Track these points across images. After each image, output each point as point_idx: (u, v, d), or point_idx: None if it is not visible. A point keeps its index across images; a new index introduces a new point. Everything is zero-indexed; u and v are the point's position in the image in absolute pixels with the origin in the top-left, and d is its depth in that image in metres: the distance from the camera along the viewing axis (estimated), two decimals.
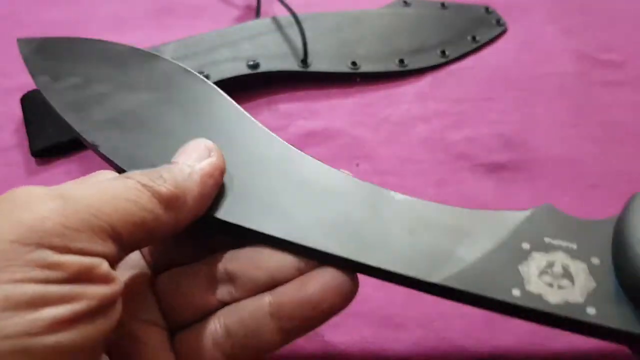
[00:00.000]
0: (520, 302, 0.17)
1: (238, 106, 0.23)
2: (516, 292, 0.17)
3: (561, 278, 0.17)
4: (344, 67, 0.39)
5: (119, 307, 0.15)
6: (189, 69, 0.25)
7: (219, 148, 0.19)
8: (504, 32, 0.45)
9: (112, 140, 0.21)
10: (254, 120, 0.23)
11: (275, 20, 0.41)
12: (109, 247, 0.14)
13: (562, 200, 0.33)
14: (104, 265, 0.14)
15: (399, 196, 0.20)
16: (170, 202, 0.16)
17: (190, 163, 0.18)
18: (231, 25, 0.41)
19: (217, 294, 0.18)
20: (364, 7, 0.45)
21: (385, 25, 0.43)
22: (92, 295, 0.13)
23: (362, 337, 0.27)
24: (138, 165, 0.19)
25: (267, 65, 0.38)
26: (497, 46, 0.43)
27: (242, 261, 0.18)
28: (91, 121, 0.22)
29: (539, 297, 0.17)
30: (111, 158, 0.21)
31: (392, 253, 0.18)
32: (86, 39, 0.27)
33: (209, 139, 0.20)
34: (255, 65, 0.37)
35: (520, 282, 0.17)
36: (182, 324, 0.18)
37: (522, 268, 0.17)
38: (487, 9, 0.46)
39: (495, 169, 0.35)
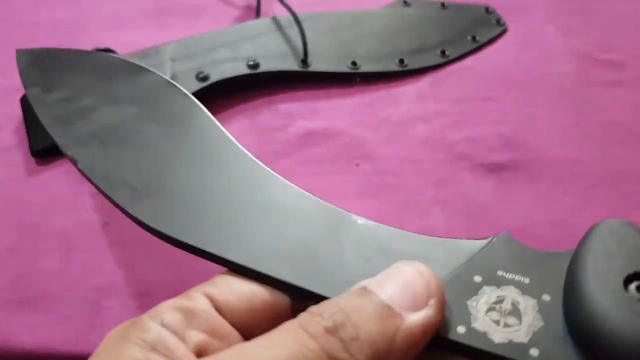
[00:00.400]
0: (464, 341, 0.16)
1: (217, 123, 0.23)
2: (461, 329, 0.16)
3: (509, 316, 0.17)
4: (344, 67, 0.39)
5: None
6: (173, 82, 0.25)
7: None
8: (504, 32, 0.44)
9: (91, 157, 0.22)
10: (231, 138, 0.23)
11: (275, 20, 0.41)
12: None
13: (562, 200, 0.33)
14: None
15: (360, 220, 0.20)
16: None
17: (398, 310, 0.14)
18: (231, 25, 0.41)
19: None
20: (364, 7, 0.44)
21: (385, 25, 0.43)
22: None
23: None
24: (113, 184, 0.20)
25: (267, 65, 0.38)
26: (497, 46, 0.43)
27: None
28: (74, 136, 0.22)
29: (484, 335, 0.16)
30: (88, 175, 0.21)
31: (343, 283, 0.18)
32: (81, 51, 0.28)
33: (184, 156, 0.21)
34: (255, 65, 0.37)
35: (466, 319, 0.17)
36: None
37: (471, 303, 0.17)
38: (487, 9, 0.46)
39: (495, 169, 0.35)
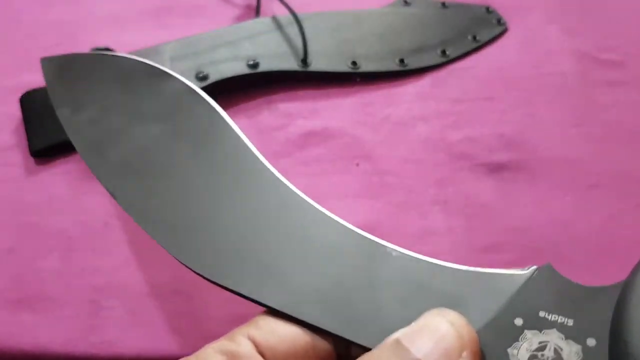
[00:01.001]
0: None
1: (246, 141, 0.22)
2: None
3: None
4: (344, 67, 0.39)
5: None
6: (195, 89, 0.24)
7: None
8: (504, 31, 0.44)
9: (127, 189, 0.21)
10: (261, 158, 0.22)
11: (275, 19, 0.41)
12: None
13: (562, 200, 0.33)
14: None
15: (395, 253, 0.19)
16: None
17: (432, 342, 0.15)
18: (231, 24, 0.41)
19: None
20: (364, 7, 0.44)
21: (386, 25, 0.43)
22: None
23: None
24: (152, 222, 0.20)
25: (266, 65, 0.38)
26: (497, 46, 0.43)
27: None
28: (108, 166, 0.22)
29: None
30: (128, 212, 0.21)
31: (379, 329, 0.17)
32: (104, 56, 0.27)
33: (215, 184, 0.20)
34: (255, 65, 0.37)
35: None
36: None
37: (512, 351, 0.16)
38: (487, 9, 0.46)
39: (495, 169, 0.35)
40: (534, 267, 0.18)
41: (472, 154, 0.35)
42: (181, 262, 0.20)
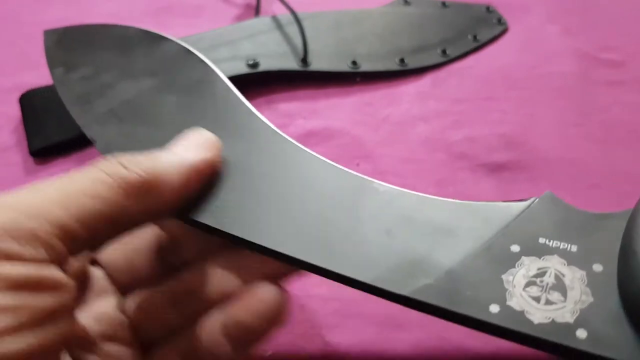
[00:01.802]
0: (497, 322, 0.14)
1: (234, 91, 0.23)
2: (494, 309, 0.14)
3: (552, 291, 0.14)
4: (344, 66, 0.39)
5: (72, 313, 0.14)
6: (191, 50, 0.24)
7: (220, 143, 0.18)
8: (504, 31, 0.44)
9: (108, 135, 0.21)
10: (248, 105, 0.22)
11: (274, 19, 0.41)
12: (56, 250, 0.13)
13: None
14: (49, 271, 0.13)
15: (383, 187, 0.18)
16: (140, 190, 0.15)
17: (182, 153, 0.17)
18: (230, 24, 0.41)
19: (179, 312, 0.18)
20: (364, 6, 0.44)
21: (386, 24, 0.43)
22: (37, 305, 0.13)
23: (363, 338, 0.27)
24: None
25: (266, 65, 0.38)
26: (498, 45, 0.43)
27: (196, 281, 0.18)
28: (93, 115, 0.22)
29: (521, 315, 0.14)
30: (104, 154, 0.20)
31: (363, 260, 0.16)
32: (102, 25, 0.28)
33: (200, 125, 0.19)
34: (255, 65, 0.37)
35: (501, 296, 0.14)
36: (152, 341, 0.18)
37: (507, 277, 0.15)
38: (488, 8, 0.46)
39: (495, 169, 0.34)
40: (534, 197, 0.17)
41: (472, 154, 0.35)
42: None
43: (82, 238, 0.14)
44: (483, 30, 0.44)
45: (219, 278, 0.18)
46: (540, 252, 0.15)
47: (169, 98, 0.22)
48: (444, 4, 0.46)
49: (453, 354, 0.27)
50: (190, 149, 0.17)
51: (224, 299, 0.18)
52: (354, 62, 0.39)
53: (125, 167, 0.15)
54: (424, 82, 0.40)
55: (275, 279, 0.18)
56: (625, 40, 0.43)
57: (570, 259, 0.15)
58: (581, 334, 0.13)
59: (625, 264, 0.14)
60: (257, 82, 0.38)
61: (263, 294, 0.17)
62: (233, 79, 0.37)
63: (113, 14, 0.45)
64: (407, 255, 0.16)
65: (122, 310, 0.18)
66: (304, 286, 0.29)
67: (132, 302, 0.18)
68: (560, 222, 0.16)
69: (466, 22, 0.44)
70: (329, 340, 0.27)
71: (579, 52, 0.42)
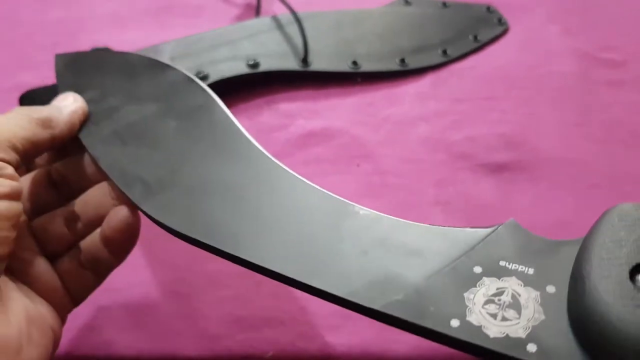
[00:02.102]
0: (456, 335, 0.15)
1: (232, 118, 0.24)
2: (455, 323, 0.16)
3: (508, 309, 0.16)
4: (345, 67, 0.39)
5: (20, 203, 0.20)
6: (193, 78, 0.26)
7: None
8: (505, 31, 0.44)
9: (111, 155, 0.23)
10: (243, 132, 0.24)
11: (275, 19, 0.41)
12: (11, 156, 0.20)
13: (563, 201, 0.33)
14: (10, 169, 0.20)
15: (362, 211, 0.20)
16: (46, 122, 0.22)
17: (61, 104, 0.24)
18: (230, 24, 0.41)
19: (71, 230, 0.24)
20: (364, 6, 0.44)
21: (386, 25, 0.43)
22: (4, 184, 0.19)
23: (363, 338, 0.27)
24: (129, 181, 0.22)
25: (267, 65, 0.38)
26: (498, 45, 0.43)
27: (82, 205, 0.24)
28: (98, 136, 0.24)
29: (478, 330, 0.15)
30: (107, 173, 0.22)
31: (340, 276, 0.18)
32: (112, 52, 0.30)
33: (196, 151, 0.22)
34: (255, 65, 0.37)
35: (462, 312, 0.16)
36: (56, 255, 0.23)
37: (468, 295, 0.16)
38: (488, 8, 0.46)
39: (496, 169, 0.34)
40: (498, 224, 0.18)
41: (473, 154, 0.35)
42: (153, 218, 0.21)
43: (21, 152, 0.21)
44: (483, 30, 0.44)
45: (98, 203, 0.23)
46: (500, 273, 0.17)
47: (169, 123, 0.24)
48: (444, 4, 0.46)
49: (452, 355, 0.27)
50: (66, 102, 0.24)
51: (102, 218, 0.23)
52: (355, 62, 0.39)
53: (34, 110, 0.22)
54: (425, 82, 0.40)
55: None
56: (625, 40, 0.43)
57: (527, 280, 0.16)
58: (531, 347, 0.15)
59: (574, 287, 0.15)
60: (257, 82, 0.38)
61: (120, 213, 0.22)
62: (233, 79, 0.37)
63: (113, 13, 0.45)
64: (380, 273, 0.18)
65: (31, 231, 0.24)
66: None
67: (37, 224, 0.24)
68: (520, 247, 0.17)
69: (466, 22, 0.44)
70: (329, 341, 0.27)
71: (579, 52, 0.42)
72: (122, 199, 0.23)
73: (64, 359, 0.27)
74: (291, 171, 0.22)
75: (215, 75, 0.36)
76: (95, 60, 0.28)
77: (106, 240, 0.23)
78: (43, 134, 0.22)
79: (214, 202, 0.21)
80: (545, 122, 0.37)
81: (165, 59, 0.36)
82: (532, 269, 0.17)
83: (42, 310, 0.21)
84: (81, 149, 0.24)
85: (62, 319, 0.23)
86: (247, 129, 0.40)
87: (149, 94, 0.26)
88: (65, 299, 0.23)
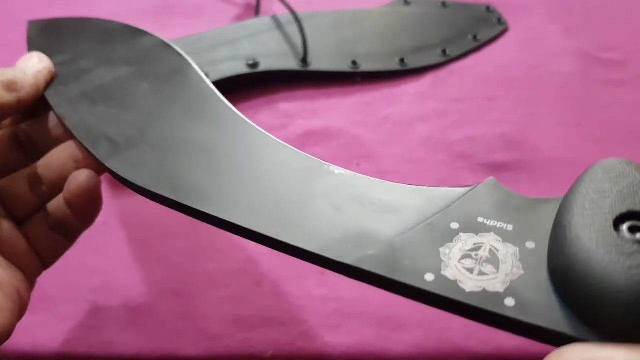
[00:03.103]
0: (431, 289, 0.15)
1: (205, 79, 0.24)
2: (429, 277, 0.15)
3: (485, 264, 0.15)
4: (344, 66, 0.39)
5: None
6: (168, 43, 0.26)
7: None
8: (505, 31, 0.44)
9: (79, 115, 0.23)
10: (216, 92, 0.23)
11: (275, 18, 0.41)
12: None
13: None
14: None
15: (338, 171, 0.19)
16: (11, 85, 0.22)
17: (25, 65, 0.24)
18: (230, 24, 0.41)
19: (35, 193, 0.23)
20: (364, 6, 0.44)
21: (386, 24, 0.43)
22: None
23: (363, 338, 0.27)
24: (95, 139, 0.21)
25: (266, 64, 0.38)
26: (498, 45, 0.43)
27: (44, 166, 0.23)
28: (66, 96, 0.23)
29: (454, 284, 0.15)
30: (74, 132, 0.22)
31: (311, 232, 0.17)
32: (87, 18, 0.29)
33: (167, 112, 0.22)
34: (255, 65, 0.37)
35: (437, 266, 0.15)
36: (23, 218, 0.23)
37: (444, 250, 0.16)
38: (488, 8, 0.46)
39: (496, 168, 0.34)
40: (478, 183, 0.18)
41: (473, 154, 0.35)
42: (119, 176, 0.20)
43: None
44: (483, 30, 0.44)
45: (61, 165, 0.23)
46: (478, 230, 0.16)
47: (142, 85, 0.24)
48: (444, 4, 0.46)
49: (452, 355, 0.27)
50: (31, 63, 0.24)
51: (65, 181, 0.23)
52: (354, 62, 0.39)
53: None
54: (424, 82, 0.40)
55: (97, 169, 0.23)
56: (625, 40, 0.43)
57: (505, 236, 0.16)
58: (509, 302, 0.14)
59: (555, 238, 0.15)
60: (257, 82, 0.38)
61: (79, 178, 0.22)
62: (233, 79, 0.37)
63: (113, 13, 0.45)
64: (353, 229, 0.17)
65: None
66: (304, 287, 0.29)
67: (0, 184, 0.24)
68: (499, 204, 0.17)
69: (466, 22, 0.44)
70: (329, 340, 0.27)
71: (579, 51, 0.42)
72: (86, 160, 0.22)
73: (64, 359, 0.27)
74: (266, 133, 0.21)
75: (215, 75, 0.36)
76: (69, 27, 0.28)
77: (69, 205, 0.22)
78: (8, 97, 0.22)
79: (183, 160, 0.20)
80: (545, 122, 0.37)
81: None
82: (512, 226, 0.16)
83: (7, 273, 0.21)
84: (48, 109, 0.24)
85: (31, 282, 0.23)
86: None
87: (123, 58, 0.25)
88: (33, 263, 0.23)
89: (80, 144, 0.22)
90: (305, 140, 0.36)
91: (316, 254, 0.17)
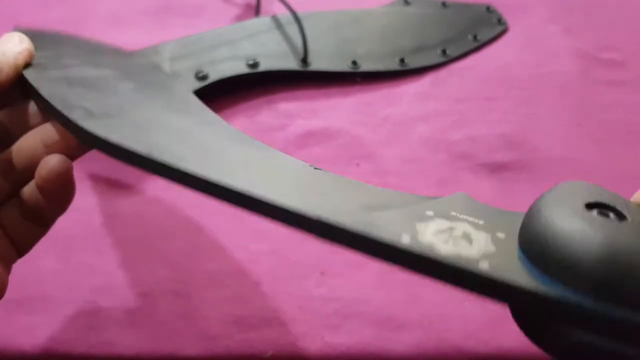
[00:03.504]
0: (407, 248, 0.15)
1: (197, 100, 0.26)
2: (405, 239, 0.15)
3: (459, 239, 0.16)
4: (344, 66, 0.39)
5: None
6: (159, 67, 0.27)
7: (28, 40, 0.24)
8: (505, 31, 0.44)
9: (56, 89, 0.22)
10: (205, 106, 0.25)
11: (275, 18, 0.41)
12: None
13: None
14: None
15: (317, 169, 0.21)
16: None
17: (5, 47, 0.23)
18: (230, 24, 0.41)
19: (8, 179, 0.23)
20: (364, 6, 0.44)
21: (386, 24, 0.43)
22: None
23: (363, 338, 0.27)
24: (70, 107, 0.21)
25: (266, 65, 0.38)
26: (498, 45, 0.43)
27: (16, 151, 0.23)
28: (46, 77, 0.23)
29: (430, 247, 0.15)
30: (48, 99, 0.21)
31: (288, 190, 0.17)
32: (77, 37, 0.29)
33: (149, 105, 0.23)
34: (255, 65, 0.37)
35: (413, 233, 0.16)
36: None
37: (420, 226, 0.16)
38: (488, 8, 0.46)
39: (496, 168, 0.34)
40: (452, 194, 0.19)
41: (473, 154, 0.35)
42: (93, 135, 0.20)
43: None
44: (483, 30, 0.44)
45: (31, 151, 0.23)
46: (452, 218, 0.17)
47: (127, 84, 0.24)
48: (444, 4, 0.46)
49: (452, 355, 0.27)
50: (11, 44, 0.23)
51: (36, 167, 0.22)
52: (354, 62, 0.39)
53: None
54: (424, 82, 0.40)
55: (69, 154, 0.23)
56: (625, 40, 0.43)
57: (478, 227, 0.17)
58: (484, 264, 0.15)
59: (527, 219, 0.16)
60: (257, 82, 0.38)
61: (50, 163, 0.22)
62: (233, 79, 0.37)
63: (113, 13, 0.45)
64: (327, 200, 0.18)
65: None
66: (304, 287, 0.29)
67: None
68: (471, 207, 0.18)
69: (466, 22, 0.44)
70: (328, 340, 0.27)
71: (579, 51, 0.42)
72: (58, 145, 0.22)
73: (64, 358, 0.27)
74: (223, 121, 0.23)
75: (215, 75, 0.36)
76: (56, 38, 0.28)
77: (41, 190, 0.22)
78: None
79: (160, 133, 0.21)
80: (545, 122, 0.37)
81: (165, 59, 0.36)
82: (482, 221, 0.17)
83: None
84: (24, 96, 0.23)
85: (7, 268, 0.23)
86: (246, 129, 0.40)
87: (109, 63, 0.25)
88: (8, 250, 0.23)
89: (53, 114, 0.21)
90: (305, 141, 0.36)
91: (293, 211, 0.16)
